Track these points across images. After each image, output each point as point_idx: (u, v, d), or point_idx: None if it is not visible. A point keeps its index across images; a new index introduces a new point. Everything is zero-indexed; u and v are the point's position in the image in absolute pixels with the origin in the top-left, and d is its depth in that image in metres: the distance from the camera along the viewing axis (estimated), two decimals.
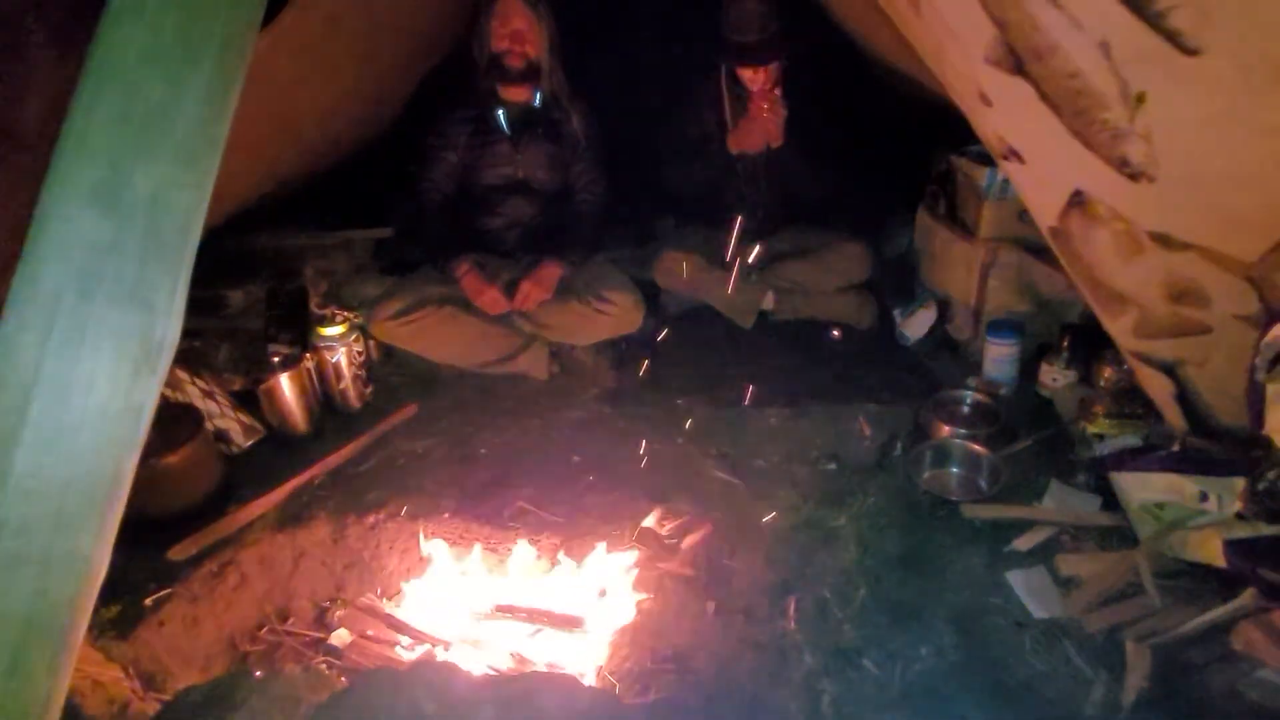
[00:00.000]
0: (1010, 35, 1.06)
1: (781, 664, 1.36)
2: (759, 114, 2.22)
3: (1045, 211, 1.38)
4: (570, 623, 1.46)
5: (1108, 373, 1.77)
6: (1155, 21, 0.91)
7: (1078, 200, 1.26)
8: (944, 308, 2.33)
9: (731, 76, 2.35)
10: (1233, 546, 1.30)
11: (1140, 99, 1.01)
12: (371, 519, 1.72)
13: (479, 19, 2.18)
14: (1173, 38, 0.91)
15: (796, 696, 1.29)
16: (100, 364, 0.68)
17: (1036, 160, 1.30)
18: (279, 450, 1.96)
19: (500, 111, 2.25)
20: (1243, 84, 0.93)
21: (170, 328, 0.71)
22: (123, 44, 0.64)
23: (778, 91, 2.24)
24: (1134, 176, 1.11)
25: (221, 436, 1.92)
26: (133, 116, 0.66)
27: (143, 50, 0.65)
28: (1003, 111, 1.25)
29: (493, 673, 1.36)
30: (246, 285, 2.35)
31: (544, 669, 1.38)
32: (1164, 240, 1.21)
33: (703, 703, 1.33)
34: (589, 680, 1.38)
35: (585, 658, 1.43)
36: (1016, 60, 1.09)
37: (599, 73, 2.46)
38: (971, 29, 1.11)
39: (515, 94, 2.24)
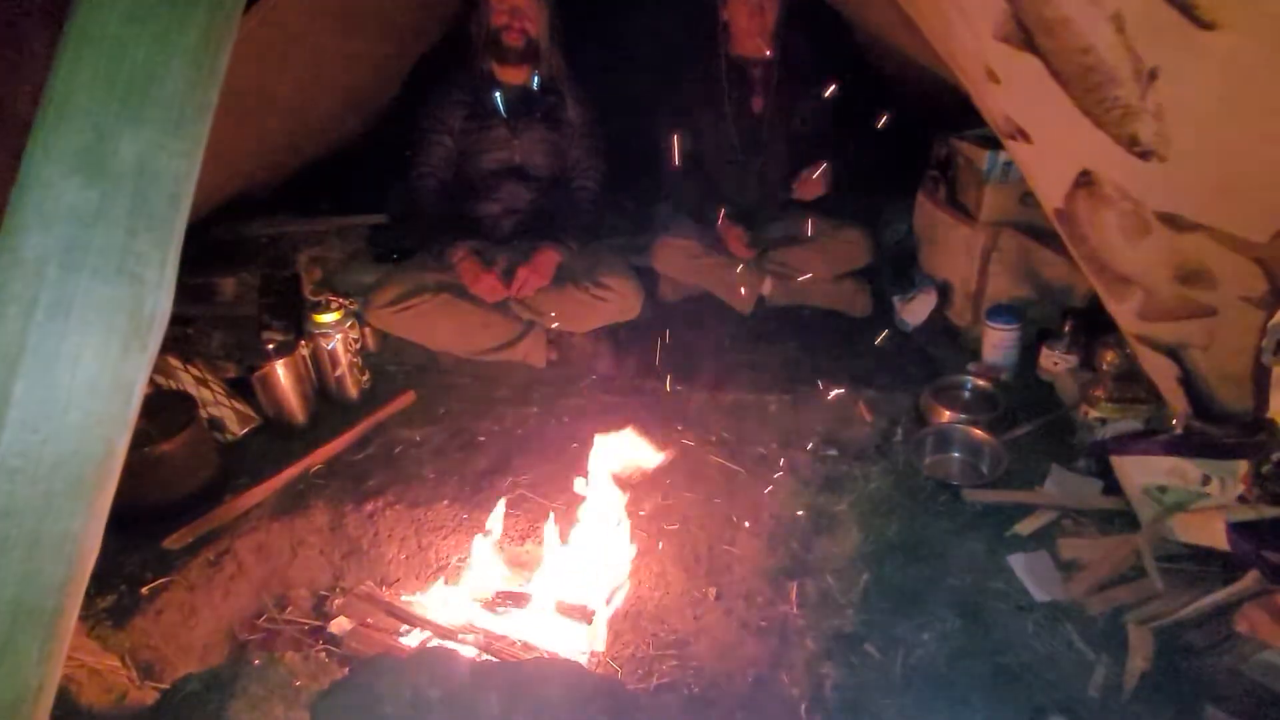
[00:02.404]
0: (1021, 9, 1.04)
1: (784, 649, 1.36)
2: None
3: (1051, 192, 1.36)
4: (576, 611, 1.45)
5: (1109, 356, 1.76)
6: None
7: (1085, 180, 1.25)
8: (943, 293, 2.32)
9: (730, 64, 2.33)
10: (1235, 529, 1.30)
11: (1153, 75, 0.99)
12: (370, 507, 1.71)
13: None
14: (1188, 11, 0.89)
15: (799, 682, 1.29)
16: (87, 339, 0.66)
17: (1044, 139, 1.28)
18: (275, 439, 1.94)
19: (497, 94, 2.21)
20: (1259, 59, 0.91)
21: (161, 301, 0.69)
22: (106, 4, 0.61)
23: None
24: (1144, 155, 1.09)
25: (216, 425, 1.90)
26: (117, 80, 0.62)
27: (127, 10, 0.62)
28: (1011, 89, 1.23)
29: (495, 660, 1.35)
30: (239, 272, 2.32)
31: (547, 655, 1.37)
32: (1172, 221, 1.20)
33: (705, 688, 1.33)
34: (592, 667, 1.37)
35: (587, 644, 1.42)
36: (1026, 35, 1.07)
37: (597, 57, 2.42)
38: (981, 4, 1.09)
39: (512, 75, 2.21)
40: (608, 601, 1.48)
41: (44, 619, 0.65)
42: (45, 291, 0.62)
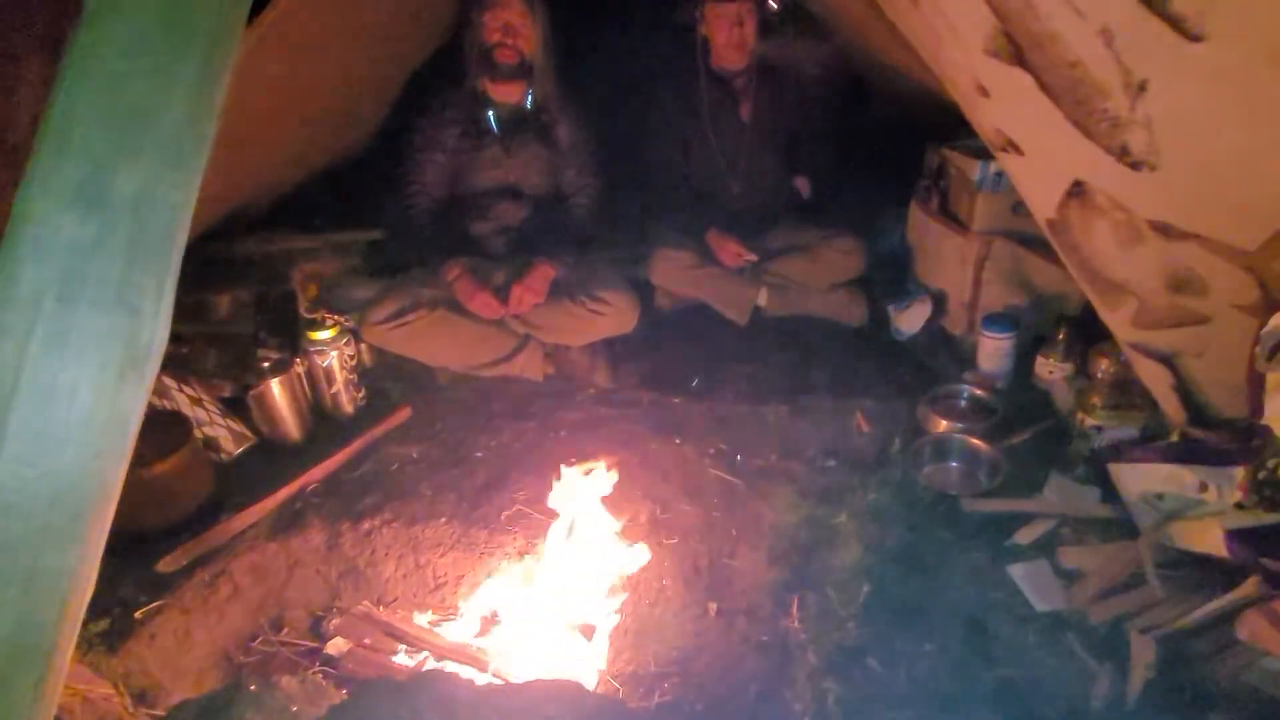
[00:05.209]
0: (1010, 25, 1.05)
1: (785, 664, 1.35)
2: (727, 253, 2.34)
3: (1043, 203, 1.37)
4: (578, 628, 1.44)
5: (1105, 364, 1.77)
6: (1158, 7, 0.91)
7: (1077, 191, 1.26)
8: (938, 302, 2.33)
9: (711, 77, 2.35)
10: (1234, 536, 1.31)
11: (1142, 87, 1.00)
12: (366, 525, 1.69)
13: (470, 11, 2.15)
14: (1176, 24, 0.90)
15: (801, 696, 1.28)
16: (84, 371, 0.65)
17: (1035, 151, 1.30)
18: (270, 457, 1.92)
19: (490, 113, 2.22)
20: (1246, 71, 0.92)
21: (157, 332, 0.68)
22: (104, 39, 0.61)
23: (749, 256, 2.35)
24: (1135, 165, 1.10)
25: (211, 444, 1.88)
26: (116, 114, 0.62)
27: (125, 45, 0.62)
28: (1001, 103, 1.24)
29: (496, 681, 1.34)
30: (234, 290, 2.30)
31: (547, 676, 1.36)
32: (1164, 230, 1.21)
33: (707, 706, 1.32)
34: (592, 686, 1.36)
35: (588, 662, 1.41)
36: (1016, 50, 1.08)
37: (590, 72, 2.43)
38: (971, 20, 1.10)
39: (505, 94, 2.21)
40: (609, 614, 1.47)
41: (38, 656, 0.64)
42: (42, 324, 0.62)
